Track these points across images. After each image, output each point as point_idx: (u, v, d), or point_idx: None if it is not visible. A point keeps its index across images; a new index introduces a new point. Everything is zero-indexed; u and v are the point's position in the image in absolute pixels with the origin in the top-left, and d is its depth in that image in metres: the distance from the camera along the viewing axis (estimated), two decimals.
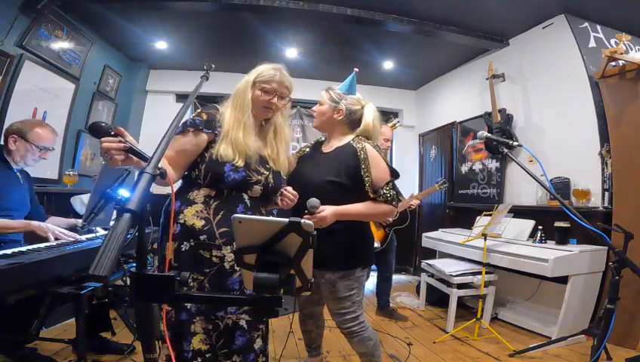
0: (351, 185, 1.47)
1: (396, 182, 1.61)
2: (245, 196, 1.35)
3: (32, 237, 1.74)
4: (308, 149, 1.73)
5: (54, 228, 1.71)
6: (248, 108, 1.36)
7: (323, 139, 1.73)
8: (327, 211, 1.37)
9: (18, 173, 1.88)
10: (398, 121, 3.01)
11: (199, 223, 1.27)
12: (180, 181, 1.39)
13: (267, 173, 1.39)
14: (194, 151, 1.31)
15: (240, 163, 1.30)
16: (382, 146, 2.78)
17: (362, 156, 1.47)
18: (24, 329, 1.54)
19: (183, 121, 1.28)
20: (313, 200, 1.35)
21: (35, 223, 1.71)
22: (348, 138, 1.57)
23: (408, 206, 2.89)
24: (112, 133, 0.91)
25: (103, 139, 0.91)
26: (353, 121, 1.59)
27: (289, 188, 1.46)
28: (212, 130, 1.33)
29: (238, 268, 1.29)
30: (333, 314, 1.58)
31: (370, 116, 1.59)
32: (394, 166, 1.60)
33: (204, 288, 1.26)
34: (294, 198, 1.44)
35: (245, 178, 1.32)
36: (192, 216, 1.28)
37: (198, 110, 1.38)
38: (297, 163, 1.70)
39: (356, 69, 1.62)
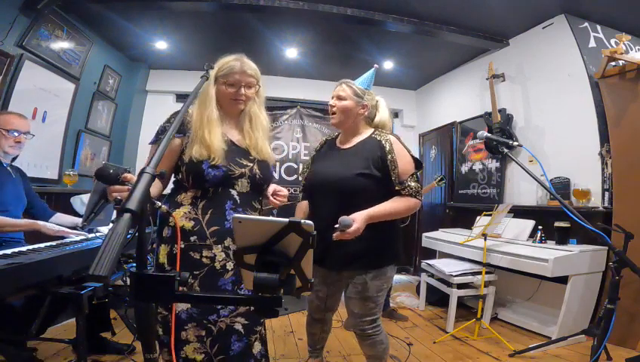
0: (381, 177, 1.44)
1: None
2: (233, 192, 1.32)
3: (35, 236, 1.75)
4: (319, 149, 1.71)
5: (60, 228, 1.72)
6: (212, 103, 1.32)
7: (331, 137, 1.71)
8: (358, 221, 1.29)
9: (9, 168, 1.87)
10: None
11: (189, 224, 1.25)
12: (171, 185, 1.40)
13: (251, 164, 1.36)
14: (171, 156, 1.30)
15: (216, 160, 1.26)
16: None
17: (388, 147, 1.44)
18: (25, 329, 1.54)
19: (156, 131, 1.31)
20: (345, 220, 1.26)
21: (40, 223, 1.72)
22: (367, 132, 1.55)
23: None
24: (120, 179, 0.90)
25: (112, 188, 0.90)
26: (372, 116, 1.58)
27: (276, 187, 1.45)
28: (183, 133, 1.31)
29: (229, 268, 1.28)
30: (352, 315, 1.54)
31: (385, 111, 1.59)
32: None
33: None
34: (286, 195, 1.45)
35: (227, 173, 1.29)
36: (181, 217, 1.26)
37: (169, 116, 1.35)
38: (313, 162, 1.68)
39: (376, 65, 1.58)
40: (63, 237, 1.74)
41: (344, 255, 1.36)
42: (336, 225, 1.27)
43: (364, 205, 1.37)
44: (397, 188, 1.43)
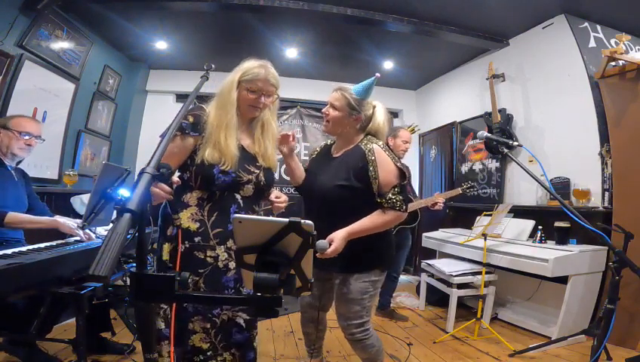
0: (362, 188, 1.42)
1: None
2: (238, 196, 1.35)
3: (36, 236, 1.75)
4: (316, 154, 1.71)
5: (76, 225, 1.72)
6: (232, 108, 1.33)
7: (331, 142, 1.70)
8: (337, 241, 1.31)
9: (12, 171, 1.87)
10: (417, 126, 2.99)
11: (194, 225, 1.29)
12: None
13: (257, 171, 1.39)
14: (182, 154, 1.31)
15: (227, 165, 1.29)
16: (400, 148, 2.80)
17: (370, 157, 1.42)
18: (28, 329, 1.54)
19: (169, 124, 1.30)
20: (321, 243, 1.27)
21: (61, 220, 1.72)
22: (357, 140, 1.53)
23: (433, 204, 2.88)
24: (170, 182, 1.03)
25: (159, 184, 1.03)
26: (365, 124, 1.54)
27: (275, 194, 1.47)
28: (199, 132, 1.31)
29: (231, 267, 1.32)
30: (339, 317, 1.55)
31: (381, 117, 1.55)
32: None
33: (200, 289, 1.28)
34: (285, 202, 1.47)
35: (236, 179, 1.32)
36: (187, 218, 1.29)
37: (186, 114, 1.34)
38: (309, 168, 1.68)
39: (378, 75, 1.50)
40: (69, 236, 1.74)
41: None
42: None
43: (347, 216, 1.38)
44: (378, 200, 1.40)
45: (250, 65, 1.36)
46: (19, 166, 1.96)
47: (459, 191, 3.08)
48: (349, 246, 1.36)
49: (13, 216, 1.65)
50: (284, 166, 1.67)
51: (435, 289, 3.02)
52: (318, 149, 1.75)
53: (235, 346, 1.33)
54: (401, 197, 1.41)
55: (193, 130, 1.30)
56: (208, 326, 1.30)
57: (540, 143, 3.10)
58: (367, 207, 1.41)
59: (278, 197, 1.49)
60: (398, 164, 1.43)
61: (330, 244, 1.30)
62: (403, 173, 1.44)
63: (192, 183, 1.32)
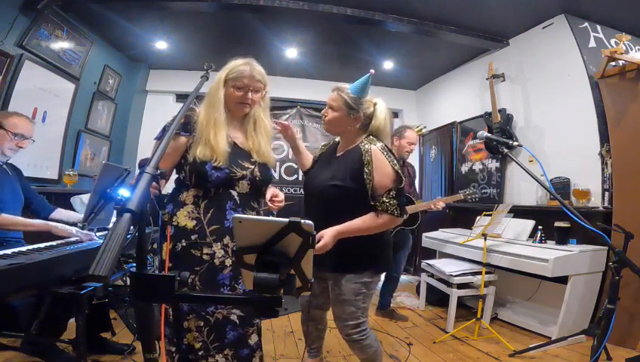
0: (357, 189, 1.40)
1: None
2: (234, 193, 1.36)
3: (35, 236, 1.74)
4: (326, 149, 1.71)
5: (71, 228, 1.72)
6: (220, 105, 1.36)
7: (339, 139, 1.68)
8: (326, 238, 1.31)
9: (4, 166, 1.87)
10: (425, 126, 2.92)
11: (191, 223, 1.31)
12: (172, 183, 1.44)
13: (252, 166, 1.39)
14: (175, 154, 1.34)
15: (219, 161, 1.30)
16: (405, 149, 2.80)
17: (367, 159, 1.40)
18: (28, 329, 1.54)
19: (163, 126, 1.31)
20: None
21: (52, 224, 1.72)
22: (358, 140, 1.51)
23: (429, 207, 2.88)
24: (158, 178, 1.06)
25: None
26: (367, 123, 1.52)
27: (271, 192, 1.48)
28: (189, 132, 1.34)
29: (227, 264, 1.33)
30: (335, 318, 1.55)
31: (382, 115, 1.52)
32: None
33: (195, 286, 1.29)
34: (282, 200, 1.49)
35: (229, 175, 1.33)
36: (184, 217, 1.31)
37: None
38: (313, 165, 1.68)
39: (372, 71, 1.49)
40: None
41: (323, 256, 1.34)
42: None
43: (341, 216, 1.37)
44: (372, 203, 1.39)
45: (235, 64, 1.38)
46: (10, 162, 1.94)
47: (460, 196, 3.04)
48: (340, 245, 1.35)
49: (5, 218, 1.65)
50: (284, 166, 1.68)
51: (435, 289, 3.02)
52: (329, 143, 1.72)
53: (228, 346, 1.32)
54: (395, 201, 1.37)
55: (184, 130, 1.33)
56: (201, 324, 1.30)
57: (540, 143, 3.10)
58: (363, 208, 1.40)
59: (275, 195, 1.50)
60: (396, 168, 1.39)
61: (319, 241, 1.30)
62: (399, 177, 1.40)
63: (188, 182, 1.34)
